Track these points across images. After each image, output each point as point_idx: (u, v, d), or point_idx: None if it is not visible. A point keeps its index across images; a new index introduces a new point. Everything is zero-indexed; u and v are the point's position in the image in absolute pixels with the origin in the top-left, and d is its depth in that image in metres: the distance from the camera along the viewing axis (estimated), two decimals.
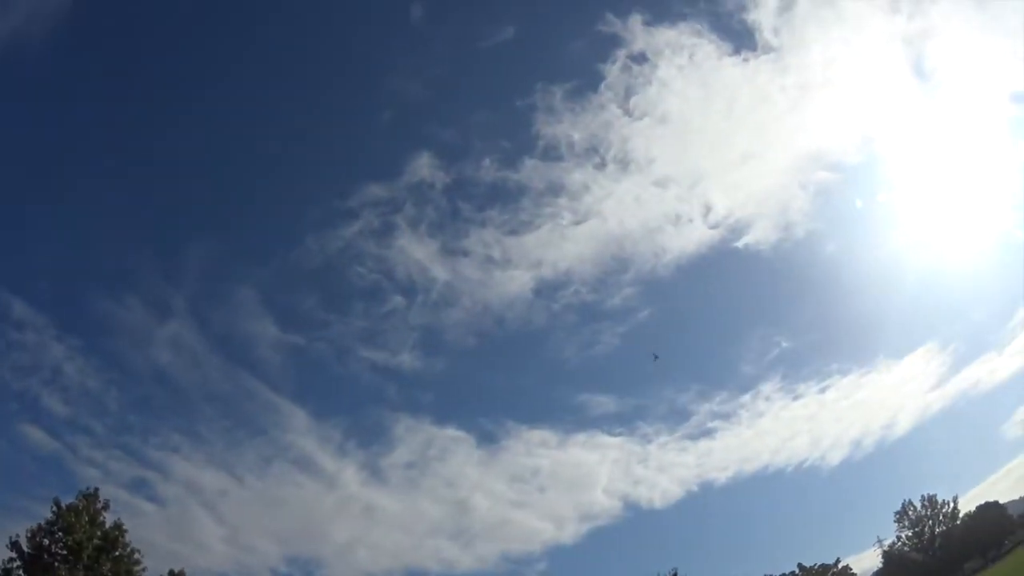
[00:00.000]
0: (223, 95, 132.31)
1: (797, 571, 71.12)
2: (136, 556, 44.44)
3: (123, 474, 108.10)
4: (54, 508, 43.63)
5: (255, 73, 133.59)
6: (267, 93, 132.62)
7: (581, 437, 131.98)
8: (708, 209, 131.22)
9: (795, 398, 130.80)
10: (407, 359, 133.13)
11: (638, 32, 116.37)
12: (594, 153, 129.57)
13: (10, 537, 43.47)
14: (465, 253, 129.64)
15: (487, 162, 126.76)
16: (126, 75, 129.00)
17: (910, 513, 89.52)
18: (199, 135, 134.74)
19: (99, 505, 44.54)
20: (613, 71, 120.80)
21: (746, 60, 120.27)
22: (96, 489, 45.48)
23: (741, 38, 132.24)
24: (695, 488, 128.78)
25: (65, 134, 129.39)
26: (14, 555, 43.15)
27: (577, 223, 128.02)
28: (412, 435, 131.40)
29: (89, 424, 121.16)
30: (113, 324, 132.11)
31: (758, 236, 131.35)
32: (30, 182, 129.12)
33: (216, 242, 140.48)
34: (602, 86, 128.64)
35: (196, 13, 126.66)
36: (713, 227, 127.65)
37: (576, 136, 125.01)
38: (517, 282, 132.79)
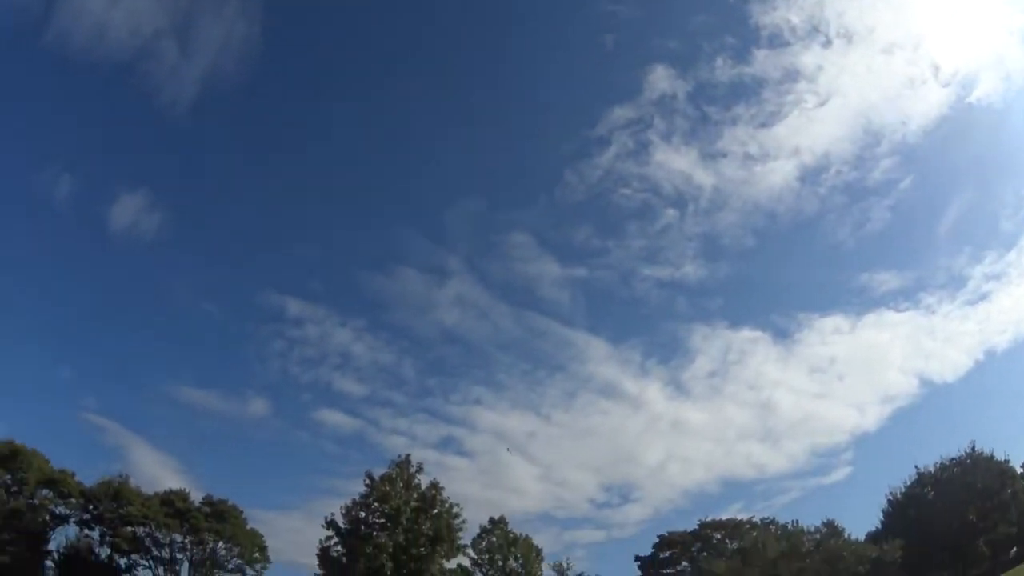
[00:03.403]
0: (454, 58, 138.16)
1: None
2: (455, 510, 47.77)
3: (430, 436, 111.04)
4: (367, 481, 46.76)
5: (477, 31, 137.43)
6: (493, 46, 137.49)
7: (871, 317, 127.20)
8: (936, 68, 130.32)
9: None
10: (691, 269, 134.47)
11: None
12: (816, 32, 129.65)
13: (325, 517, 47.73)
14: (724, 155, 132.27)
15: (719, 62, 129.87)
16: (356, 59, 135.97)
17: None
18: (442, 100, 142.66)
19: (412, 469, 47.76)
20: None
21: None
22: (407, 455, 48.52)
23: None
24: (981, 356, 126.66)
25: (311, 128, 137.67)
26: (331, 533, 47.56)
27: (821, 104, 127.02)
28: (709, 343, 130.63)
29: (388, 396, 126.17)
30: (394, 298, 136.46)
31: (987, 88, 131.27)
32: (283, 189, 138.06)
33: (479, 197, 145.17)
34: None
35: None
36: (945, 85, 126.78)
37: (794, 19, 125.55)
38: (780, 173, 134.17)
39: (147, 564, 57.63)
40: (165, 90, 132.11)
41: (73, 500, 56.46)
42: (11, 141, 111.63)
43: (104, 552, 56.73)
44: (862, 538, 59.18)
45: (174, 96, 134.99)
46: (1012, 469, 62.80)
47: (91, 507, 56.49)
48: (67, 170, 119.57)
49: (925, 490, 60.08)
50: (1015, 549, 65.18)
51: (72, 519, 56.81)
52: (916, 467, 61.55)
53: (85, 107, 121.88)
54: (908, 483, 61.27)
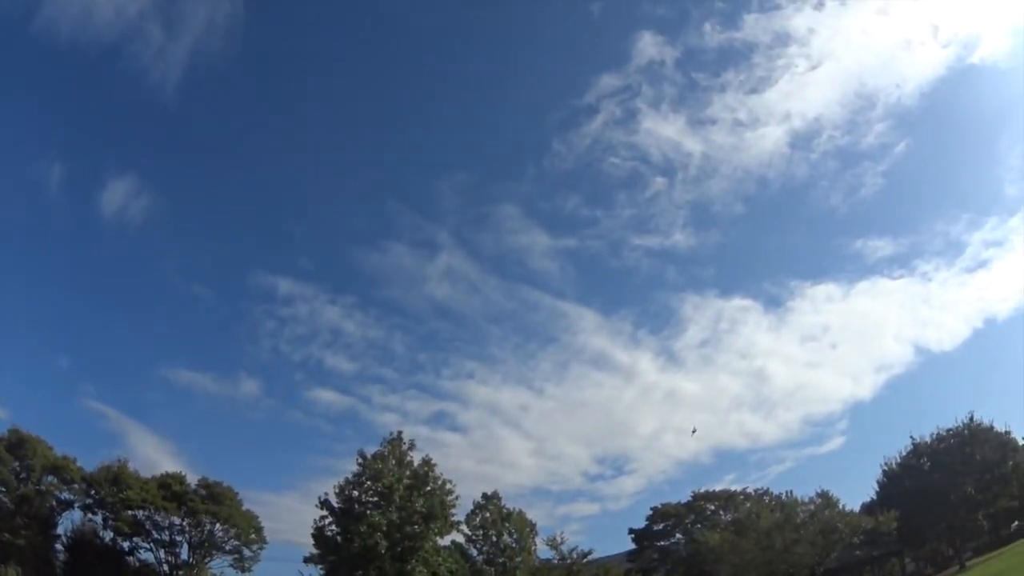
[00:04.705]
0: (439, 30, 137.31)
1: None
2: (448, 487, 47.42)
3: (422, 412, 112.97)
4: (359, 460, 46.23)
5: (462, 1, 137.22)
6: (479, 17, 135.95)
7: (864, 285, 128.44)
8: (935, 28, 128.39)
9: None
10: (681, 238, 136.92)
11: None
12: None
13: (319, 497, 47.85)
14: (712, 121, 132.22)
15: (708, 27, 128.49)
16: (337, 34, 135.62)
17: None
18: (428, 73, 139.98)
19: (404, 447, 47.13)
20: None
21: None
22: (399, 432, 47.87)
23: None
24: (980, 325, 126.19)
25: (298, 105, 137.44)
26: (325, 513, 47.04)
27: (813, 68, 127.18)
28: (700, 312, 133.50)
29: (379, 373, 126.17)
30: (384, 273, 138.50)
31: (992, 47, 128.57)
32: (270, 167, 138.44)
33: (466, 170, 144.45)
34: None
35: None
36: (945, 46, 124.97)
37: None
38: (770, 139, 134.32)
39: (148, 547, 58.50)
40: (152, 72, 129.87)
41: (76, 486, 57.61)
42: (2, 131, 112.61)
43: (108, 536, 57.88)
44: (857, 509, 58.86)
45: (161, 78, 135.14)
46: (1014, 441, 61.99)
47: (93, 492, 57.55)
48: (58, 158, 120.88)
49: (921, 461, 59.57)
50: (1016, 523, 64.66)
51: (76, 504, 57.95)
52: (912, 437, 61.14)
53: (74, 92, 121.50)
54: (903, 453, 60.82)
